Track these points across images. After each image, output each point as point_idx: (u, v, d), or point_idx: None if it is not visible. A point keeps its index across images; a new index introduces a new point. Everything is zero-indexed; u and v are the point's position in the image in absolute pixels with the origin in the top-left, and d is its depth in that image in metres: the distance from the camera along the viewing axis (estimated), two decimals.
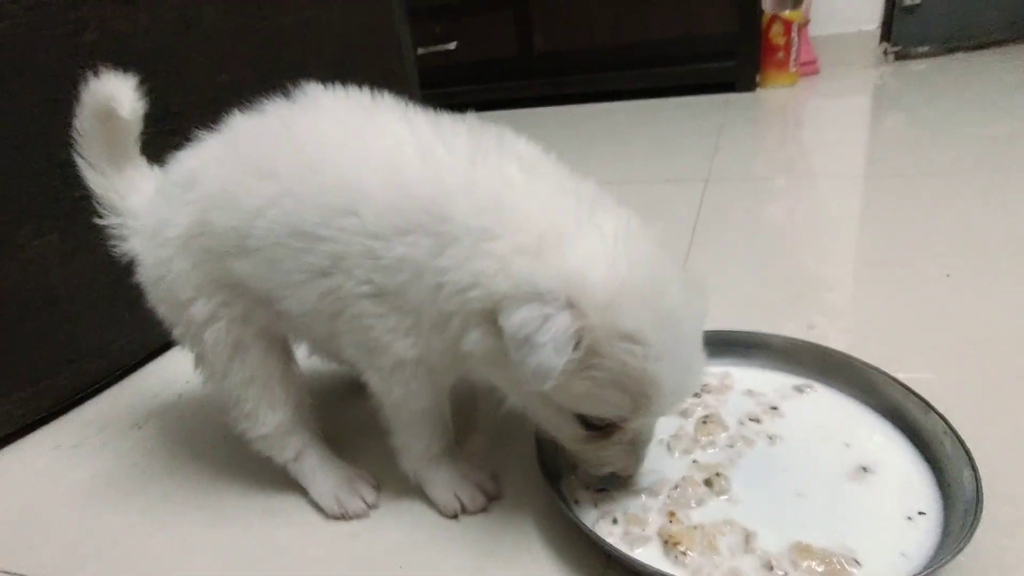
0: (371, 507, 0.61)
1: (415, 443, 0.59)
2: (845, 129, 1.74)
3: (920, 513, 0.50)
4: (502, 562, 0.54)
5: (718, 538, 0.50)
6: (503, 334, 0.43)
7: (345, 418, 0.74)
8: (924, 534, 0.49)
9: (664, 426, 0.61)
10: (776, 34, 2.12)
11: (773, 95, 2.12)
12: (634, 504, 0.55)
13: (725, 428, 0.62)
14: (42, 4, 0.77)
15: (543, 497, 0.59)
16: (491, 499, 0.60)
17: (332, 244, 0.49)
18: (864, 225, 1.10)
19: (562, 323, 0.41)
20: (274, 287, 0.53)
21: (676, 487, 0.55)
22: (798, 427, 0.61)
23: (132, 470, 0.73)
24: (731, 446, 0.60)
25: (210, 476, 0.69)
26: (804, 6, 2.15)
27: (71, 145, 0.60)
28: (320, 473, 0.63)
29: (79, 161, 0.61)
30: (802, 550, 0.48)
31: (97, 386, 0.89)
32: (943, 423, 0.55)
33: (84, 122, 0.59)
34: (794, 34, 2.12)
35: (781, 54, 2.14)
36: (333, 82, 0.55)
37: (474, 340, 0.46)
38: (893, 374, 0.61)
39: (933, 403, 0.57)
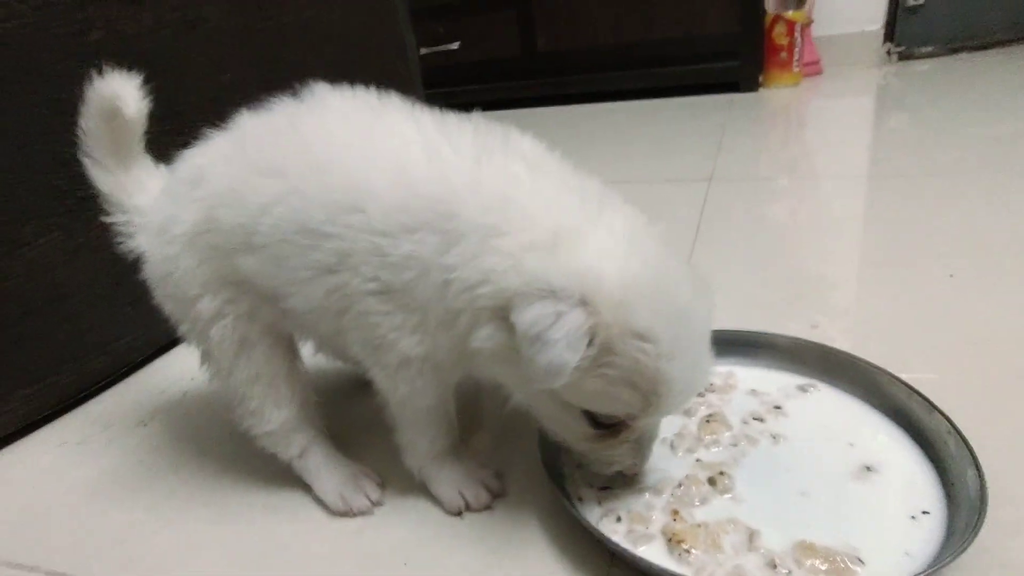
0: (376, 504, 0.61)
1: (420, 440, 0.59)
2: (848, 129, 1.74)
3: (924, 512, 0.50)
4: (506, 559, 0.54)
5: (722, 536, 0.50)
6: (514, 331, 0.43)
7: (350, 415, 0.74)
8: (928, 533, 0.49)
9: (668, 425, 0.61)
10: (779, 34, 2.12)
11: (776, 95, 2.12)
12: (638, 502, 0.55)
13: (729, 427, 0.62)
14: (49, 4, 0.77)
15: (547, 495, 0.59)
16: (495, 497, 0.60)
17: (339, 241, 0.49)
18: (867, 225, 1.10)
19: (575, 320, 0.41)
20: (280, 284, 0.53)
21: (680, 485, 0.56)
22: (802, 426, 0.61)
23: (137, 467, 0.73)
24: (735, 445, 0.60)
25: (215, 473, 0.70)
26: (807, 7, 2.15)
27: (76, 144, 0.61)
28: (325, 470, 0.63)
29: (85, 159, 0.61)
30: (806, 548, 0.48)
31: (102, 383, 0.90)
32: (947, 423, 0.55)
33: (90, 121, 0.59)
34: (797, 34, 2.12)
35: (784, 54, 2.14)
36: (336, 82, 0.55)
37: (483, 337, 0.46)
38: (897, 374, 0.61)
39: (936, 403, 0.57)
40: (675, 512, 0.53)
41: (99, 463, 0.74)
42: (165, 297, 0.60)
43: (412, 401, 0.55)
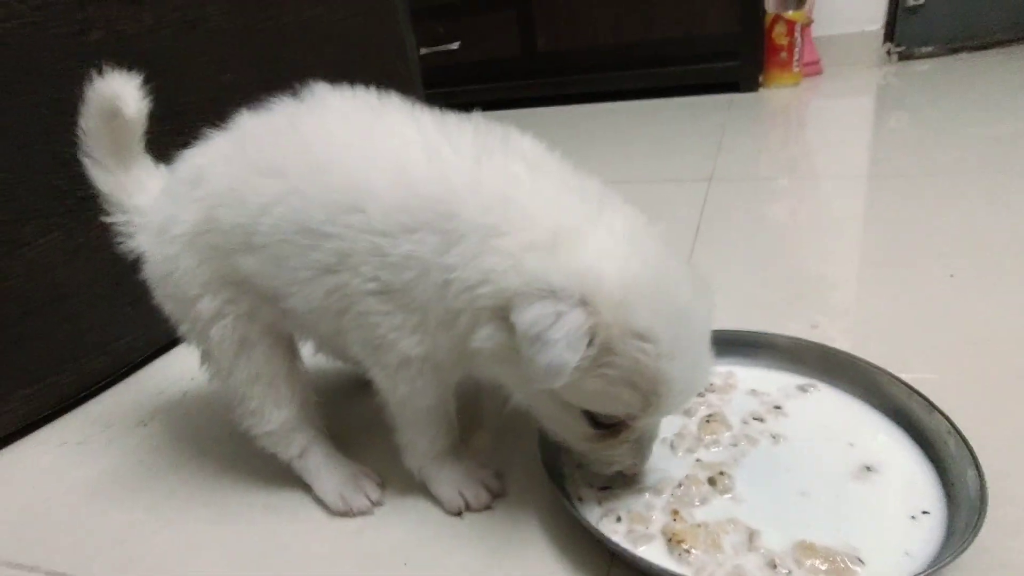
0: (375, 504, 0.61)
1: (420, 440, 0.59)
2: (848, 129, 1.74)
3: (924, 512, 0.50)
4: (506, 559, 0.54)
5: (722, 536, 0.50)
6: (514, 331, 0.43)
7: (350, 415, 0.74)
8: (928, 533, 0.49)
9: (668, 425, 0.61)
10: (779, 34, 2.12)
11: (776, 95, 2.12)
12: (638, 502, 0.55)
13: (729, 427, 0.62)
14: (49, 4, 0.77)
15: (547, 495, 0.59)
16: (495, 497, 0.60)
17: (339, 241, 0.49)
18: (867, 225, 1.10)
19: (575, 320, 0.41)
20: (280, 284, 0.53)
21: (680, 485, 0.56)
22: (802, 426, 0.61)
23: (137, 467, 0.73)
24: (735, 445, 0.60)
25: (215, 473, 0.70)
26: (807, 6, 2.15)
27: (76, 144, 0.61)
28: (325, 470, 0.63)
29: (85, 159, 0.61)
30: (806, 548, 0.48)
31: (102, 384, 0.90)
32: (947, 423, 0.55)
33: (90, 121, 0.59)
34: (797, 34, 2.12)
35: (784, 54, 2.14)
36: (337, 82, 0.55)
37: (483, 337, 0.46)
38: (897, 374, 0.61)
39: (936, 403, 0.57)
40: (675, 512, 0.53)
41: (99, 463, 0.74)
42: (165, 297, 0.60)
43: (412, 401, 0.55)
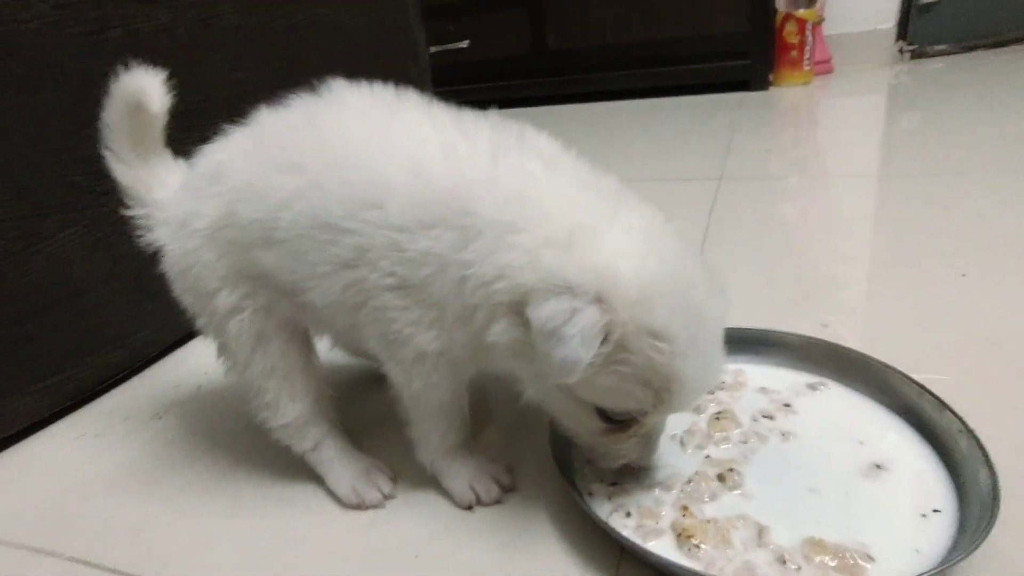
0: (387, 497, 0.62)
1: (432, 435, 0.60)
2: (859, 128, 1.73)
3: (935, 510, 0.51)
4: (517, 553, 0.54)
5: (731, 532, 0.51)
6: (530, 326, 0.43)
7: (363, 410, 0.75)
8: (939, 531, 0.49)
9: (677, 422, 0.62)
10: (790, 33, 2.11)
11: (787, 94, 2.11)
12: (648, 498, 0.55)
13: (738, 424, 0.62)
14: (68, 3, 0.78)
15: (557, 490, 0.60)
16: (506, 491, 0.60)
17: (357, 236, 0.49)
18: (878, 224, 1.10)
19: (590, 317, 0.42)
20: (299, 279, 0.54)
21: (689, 482, 0.56)
22: (811, 424, 0.62)
23: (153, 460, 0.74)
24: (744, 442, 0.60)
25: (229, 466, 0.71)
26: (818, 4, 2.14)
27: (95, 140, 0.62)
28: (338, 463, 0.64)
29: (106, 154, 0.62)
30: (815, 545, 0.48)
31: (119, 377, 0.91)
32: (959, 422, 0.55)
33: (113, 115, 0.60)
34: (808, 33, 2.11)
35: (795, 53, 2.13)
36: (349, 79, 0.56)
37: (498, 331, 0.47)
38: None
39: (947, 403, 0.57)
40: (685, 508, 0.53)
41: (116, 455, 0.76)
42: (184, 291, 0.61)
43: (426, 396, 0.56)
